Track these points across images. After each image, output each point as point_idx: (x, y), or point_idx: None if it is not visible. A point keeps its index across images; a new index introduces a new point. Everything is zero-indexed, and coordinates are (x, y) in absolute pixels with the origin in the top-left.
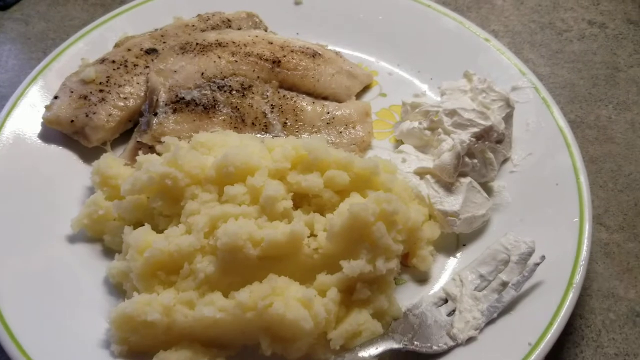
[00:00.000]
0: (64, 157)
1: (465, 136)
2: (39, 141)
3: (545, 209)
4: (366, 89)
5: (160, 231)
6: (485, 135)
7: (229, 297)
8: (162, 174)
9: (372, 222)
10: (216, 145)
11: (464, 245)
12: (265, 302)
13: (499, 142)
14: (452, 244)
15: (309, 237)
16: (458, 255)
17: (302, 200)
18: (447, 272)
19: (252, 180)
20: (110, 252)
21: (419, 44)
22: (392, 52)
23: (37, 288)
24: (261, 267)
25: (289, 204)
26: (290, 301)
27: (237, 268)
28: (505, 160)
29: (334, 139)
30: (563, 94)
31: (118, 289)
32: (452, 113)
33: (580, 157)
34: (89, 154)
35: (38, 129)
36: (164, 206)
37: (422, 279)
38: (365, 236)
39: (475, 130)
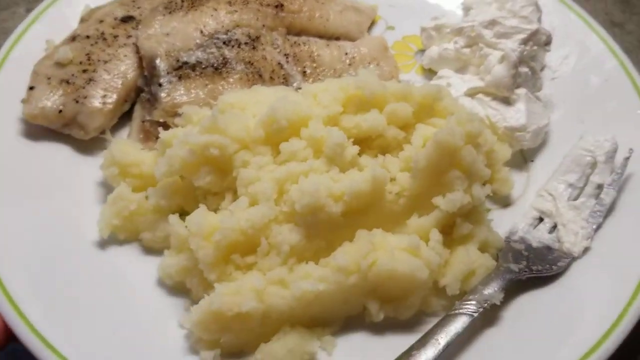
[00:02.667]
0: (57, 155)
1: (512, 44)
2: (25, 142)
3: (602, 106)
4: (371, 25)
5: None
6: (532, 39)
7: (322, 265)
8: (204, 143)
9: (460, 147)
10: (248, 103)
11: (532, 161)
12: (368, 260)
13: (547, 43)
14: (519, 161)
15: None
16: (530, 172)
17: (361, 145)
18: (527, 191)
19: (307, 131)
20: (152, 252)
21: None
22: None
23: (87, 313)
24: (346, 225)
25: (355, 149)
26: (396, 253)
27: (321, 230)
28: (542, 69)
29: None
30: None
31: (178, 289)
32: (492, 23)
33: (613, 43)
34: (84, 148)
35: (17, 128)
36: (212, 181)
37: (506, 203)
38: (456, 164)
39: (522, 36)
